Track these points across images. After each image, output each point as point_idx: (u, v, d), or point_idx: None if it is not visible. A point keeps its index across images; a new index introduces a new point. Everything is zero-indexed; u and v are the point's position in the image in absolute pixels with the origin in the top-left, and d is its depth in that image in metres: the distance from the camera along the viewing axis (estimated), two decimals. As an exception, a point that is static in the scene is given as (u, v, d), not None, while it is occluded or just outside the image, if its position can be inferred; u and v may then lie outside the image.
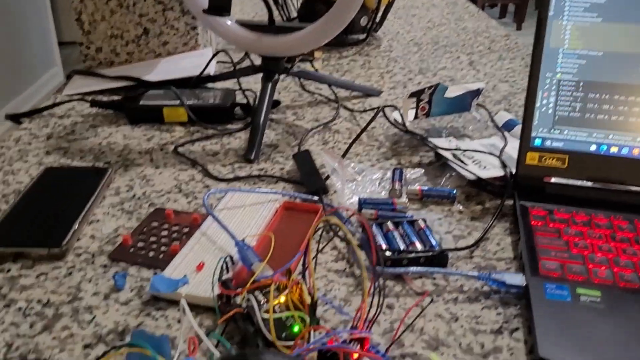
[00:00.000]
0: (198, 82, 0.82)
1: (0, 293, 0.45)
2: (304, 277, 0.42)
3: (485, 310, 0.45)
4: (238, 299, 0.42)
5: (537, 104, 0.59)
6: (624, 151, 0.57)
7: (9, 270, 0.48)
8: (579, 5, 0.57)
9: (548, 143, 0.59)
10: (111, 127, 0.75)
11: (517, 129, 0.71)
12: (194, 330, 0.42)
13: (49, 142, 0.70)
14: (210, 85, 0.85)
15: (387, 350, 0.40)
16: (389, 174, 0.63)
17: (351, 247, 0.51)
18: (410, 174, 0.64)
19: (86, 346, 0.41)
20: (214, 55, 0.84)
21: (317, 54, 1.01)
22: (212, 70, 0.87)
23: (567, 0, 0.57)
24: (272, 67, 0.76)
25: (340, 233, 0.53)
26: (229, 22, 0.72)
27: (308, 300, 0.41)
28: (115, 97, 0.81)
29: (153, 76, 0.85)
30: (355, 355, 0.38)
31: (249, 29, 0.74)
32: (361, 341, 0.39)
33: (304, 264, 0.42)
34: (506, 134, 0.70)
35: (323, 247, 0.51)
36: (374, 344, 0.41)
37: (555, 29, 0.58)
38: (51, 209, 0.55)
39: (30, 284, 0.46)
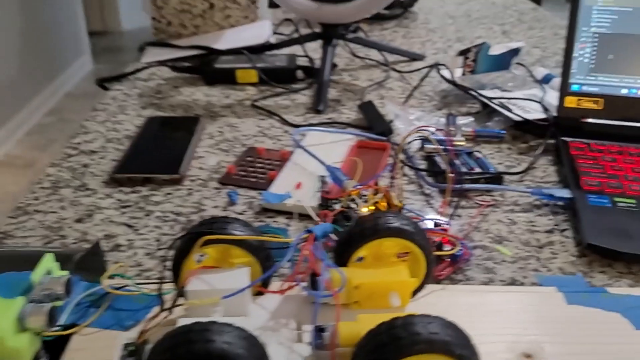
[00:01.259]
0: (263, 49, 0.91)
1: (139, 206, 0.56)
2: (391, 187, 0.52)
3: (538, 217, 0.55)
4: (336, 206, 0.52)
5: (575, 54, 0.68)
6: (652, 92, 0.66)
7: (140, 191, 0.58)
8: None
9: (585, 88, 0.68)
10: (191, 87, 0.85)
11: (554, 81, 0.80)
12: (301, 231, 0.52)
13: (142, 100, 0.80)
14: (269, 52, 0.94)
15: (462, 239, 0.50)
16: (443, 119, 0.72)
17: (419, 173, 0.61)
18: (461, 120, 0.73)
19: (219, 241, 0.51)
20: (280, 23, 0.93)
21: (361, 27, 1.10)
22: (270, 39, 0.97)
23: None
24: (331, 33, 0.86)
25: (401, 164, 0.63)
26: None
27: (396, 203, 0.51)
28: (187, 64, 0.91)
29: (219, 45, 0.95)
30: (437, 238, 0.47)
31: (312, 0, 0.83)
32: (443, 231, 0.48)
33: (391, 176, 0.52)
34: (544, 86, 0.79)
35: (406, 166, 0.61)
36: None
37: (590, -12, 0.67)
38: (162, 147, 0.65)
39: (161, 200, 0.57)
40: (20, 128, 2.81)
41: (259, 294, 0.38)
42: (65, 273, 0.38)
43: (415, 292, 0.39)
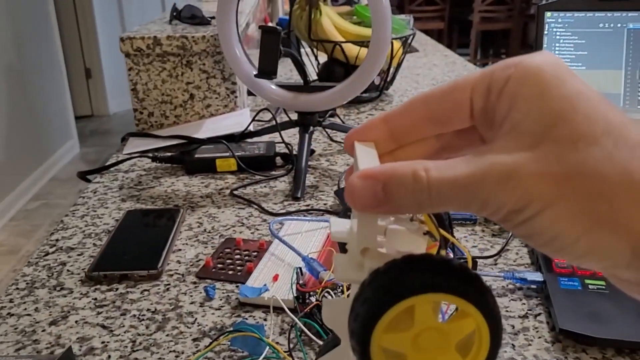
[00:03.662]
0: (242, 137, 0.94)
1: (115, 305, 0.55)
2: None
3: (512, 301, 0.55)
4: (312, 298, 0.52)
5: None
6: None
7: (117, 289, 0.58)
8: (566, 56, 0.71)
9: (550, 170, 0.70)
10: (172, 177, 0.87)
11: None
12: (278, 325, 0.52)
13: (122, 192, 0.82)
14: (249, 140, 0.97)
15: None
16: (418, 203, 0.74)
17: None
18: (435, 203, 0.75)
19: (195, 339, 0.51)
20: (258, 112, 0.97)
21: (338, 111, 1.15)
22: (250, 127, 1.00)
23: (555, 53, 0.70)
24: (307, 121, 0.89)
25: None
26: (272, 86, 0.85)
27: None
28: (169, 154, 0.93)
29: (200, 134, 0.98)
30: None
31: (287, 89, 0.87)
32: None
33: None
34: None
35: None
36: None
37: (547, 77, 0.71)
38: (140, 242, 0.66)
39: (137, 298, 0.57)
40: (5, 214, 2.80)
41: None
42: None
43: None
